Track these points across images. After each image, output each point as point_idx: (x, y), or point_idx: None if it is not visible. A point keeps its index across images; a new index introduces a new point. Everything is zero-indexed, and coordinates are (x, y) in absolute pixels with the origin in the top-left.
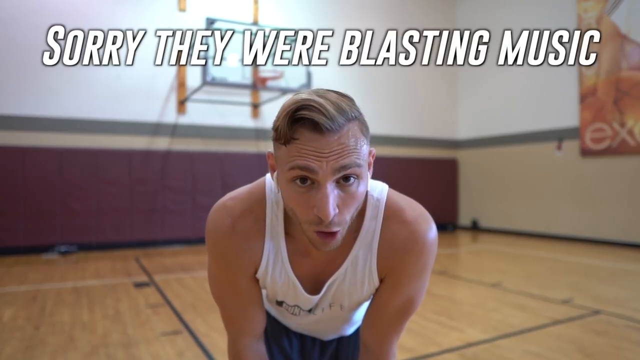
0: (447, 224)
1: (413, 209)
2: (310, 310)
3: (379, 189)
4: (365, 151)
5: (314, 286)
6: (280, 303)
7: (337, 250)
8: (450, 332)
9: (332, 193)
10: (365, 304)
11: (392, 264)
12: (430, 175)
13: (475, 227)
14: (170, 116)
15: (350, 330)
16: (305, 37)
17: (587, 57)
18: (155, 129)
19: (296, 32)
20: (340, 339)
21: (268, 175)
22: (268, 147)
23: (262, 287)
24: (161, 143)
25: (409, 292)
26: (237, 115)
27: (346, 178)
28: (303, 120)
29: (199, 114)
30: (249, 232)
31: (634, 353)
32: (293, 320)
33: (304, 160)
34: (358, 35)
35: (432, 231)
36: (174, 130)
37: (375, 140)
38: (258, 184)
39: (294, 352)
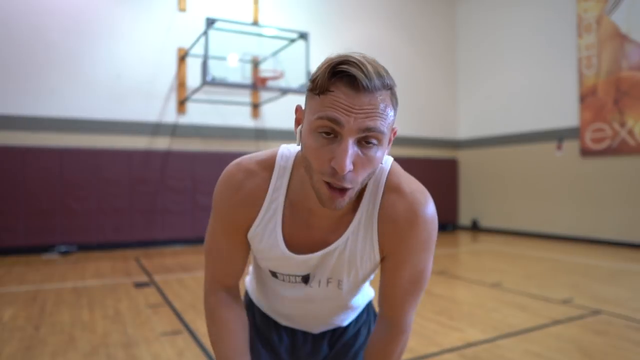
0: (447, 224)
1: (411, 182)
2: (307, 282)
3: (383, 160)
4: (391, 120)
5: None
6: (274, 274)
7: (339, 219)
8: (450, 332)
9: (352, 149)
10: (364, 291)
11: (393, 237)
12: (430, 175)
13: (475, 227)
14: (170, 116)
15: (345, 320)
16: (305, 37)
17: (586, 57)
18: (155, 129)
19: (296, 32)
20: (334, 345)
21: (282, 146)
22: (268, 147)
23: (254, 252)
24: (161, 143)
25: (416, 265)
26: (237, 115)
27: (368, 140)
28: (342, 74)
29: (199, 114)
30: (254, 190)
31: (634, 353)
32: (287, 293)
33: (333, 111)
34: (358, 35)
35: (431, 205)
36: (174, 130)
37: None
38: (272, 151)
39: (282, 348)
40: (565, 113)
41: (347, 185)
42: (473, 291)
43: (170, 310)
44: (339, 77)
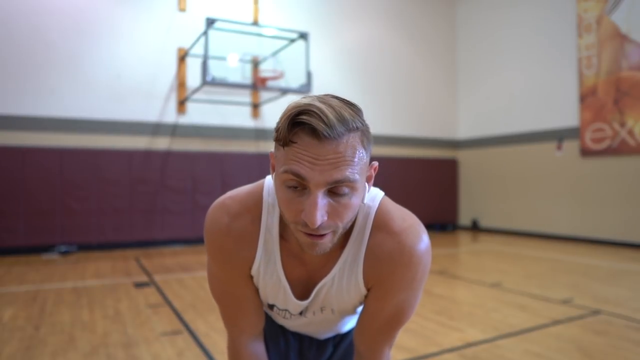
0: (447, 224)
1: (403, 219)
2: (301, 313)
3: (371, 196)
4: (363, 163)
5: (304, 291)
6: (271, 307)
7: (328, 255)
8: (450, 332)
9: (322, 201)
10: (360, 309)
11: (378, 275)
12: (430, 175)
13: (475, 227)
14: (170, 116)
15: (345, 328)
16: (305, 37)
17: (586, 57)
18: (155, 129)
19: (296, 32)
20: (338, 344)
21: (267, 178)
22: (268, 147)
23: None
24: (161, 143)
25: (398, 304)
26: (237, 115)
27: (339, 188)
28: (303, 124)
29: (199, 114)
30: (245, 232)
31: (634, 353)
32: (286, 322)
33: (297, 165)
34: (358, 35)
35: (422, 244)
36: (174, 130)
37: (376, 140)
38: (257, 185)
39: (291, 352)
40: (565, 113)
41: (324, 232)
42: (473, 291)
43: (170, 310)
44: (301, 127)
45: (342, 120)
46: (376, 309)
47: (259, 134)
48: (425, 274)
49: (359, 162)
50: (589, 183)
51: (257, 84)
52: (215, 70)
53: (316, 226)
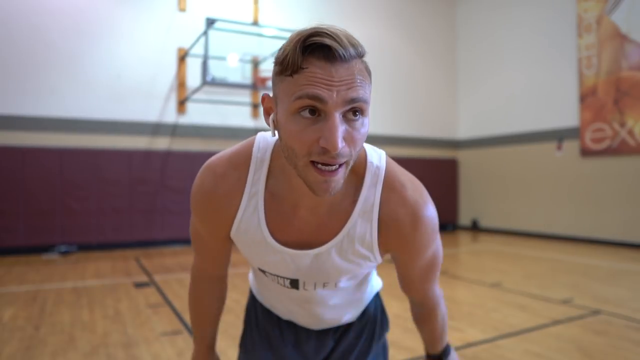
0: (447, 224)
1: (413, 183)
2: (297, 288)
3: (377, 156)
4: (369, 89)
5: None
6: (263, 272)
7: (330, 215)
8: (450, 332)
9: (341, 125)
10: (370, 283)
11: (396, 239)
12: (430, 175)
13: (475, 227)
14: (170, 116)
15: (349, 317)
16: None
17: (586, 57)
18: (155, 129)
19: None
20: (339, 339)
21: (259, 134)
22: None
23: (241, 250)
24: (161, 143)
25: (427, 256)
26: (237, 115)
27: (354, 112)
28: (314, 47)
29: (199, 114)
30: (230, 190)
31: (634, 353)
32: (282, 292)
33: (313, 88)
34: (358, 35)
35: (430, 204)
36: (174, 130)
37: (375, 140)
38: (247, 141)
39: (285, 344)
40: (565, 113)
41: (342, 160)
42: (473, 291)
43: (170, 310)
44: (311, 52)
45: (352, 43)
46: (408, 268)
47: None
48: (437, 226)
49: (367, 87)
50: (588, 183)
51: (257, 84)
52: (215, 70)
53: (338, 150)
